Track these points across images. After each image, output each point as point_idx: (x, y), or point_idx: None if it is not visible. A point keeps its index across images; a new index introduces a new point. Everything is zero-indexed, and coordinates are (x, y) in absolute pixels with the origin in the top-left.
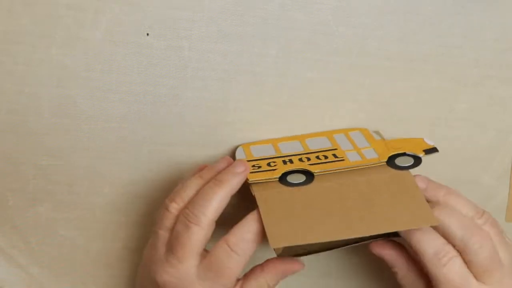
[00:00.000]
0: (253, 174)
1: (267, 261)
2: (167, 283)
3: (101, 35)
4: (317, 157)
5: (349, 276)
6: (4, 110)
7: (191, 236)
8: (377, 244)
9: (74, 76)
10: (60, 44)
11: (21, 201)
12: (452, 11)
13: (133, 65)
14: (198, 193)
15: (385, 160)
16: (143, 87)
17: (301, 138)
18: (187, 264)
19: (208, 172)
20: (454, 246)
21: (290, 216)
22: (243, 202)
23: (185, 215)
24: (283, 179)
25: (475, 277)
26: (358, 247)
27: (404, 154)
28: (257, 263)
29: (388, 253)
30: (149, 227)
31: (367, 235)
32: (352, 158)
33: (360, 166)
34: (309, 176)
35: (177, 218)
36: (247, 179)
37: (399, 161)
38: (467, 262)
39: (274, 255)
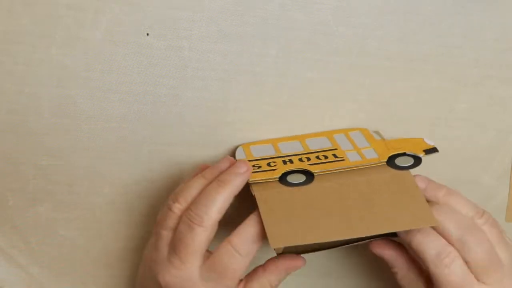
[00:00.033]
0: (253, 174)
1: (269, 261)
2: (169, 284)
3: (101, 35)
4: (317, 157)
5: (349, 276)
6: (4, 110)
7: (195, 237)
8: (377, 244)
9: (74, 76)
10: (60, 44)
11: (21, 201)
12: (452, 11)
13: (133, 65)
14: (201, 193)
15: (385, 160)
16: (143, 87)
17: (301, 138)
18: (190, 265)
19: (211, 172)
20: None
21: (290, 216)
22: (243, 202)
23: (188, 216)
24: (283, 179)
25: (475, 277)
26: (358, 247)
27: (404, 154)
28: (258, 262)
29: (388, 253)
30: (150, 227)
31: (367, 235)
32: (352, 158)
33: (360, 166)
34: (309, 176)
35: (180, 218)
36: None
37: (399, 161)
38: (466, 262)
39: (275, 255)
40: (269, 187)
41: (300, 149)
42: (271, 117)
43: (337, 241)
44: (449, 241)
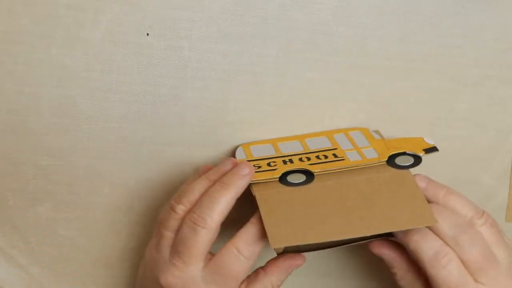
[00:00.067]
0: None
1: (269, 262)
2: (171, 286)
3: (101, 35)
4: (317, 157)
5: (349, 276)
6: (4, 110)
7: (198, 239)
8: (377, 244)
9: (74, 76)
10: (60, 44)
11: (21, 201)
12: (452, 11)
13: (133, 65)
14: (204, 195)
15: (385, 159)
16: (143, 87)
17: (301, 138)
18: (192, 267)
19: (214, 174)
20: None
21: (290, 216)
22: (244, 202)
23: (192, 218)
24: (283, 179)
25: (472, 277)
26: (358, 247)
27: (404, 153)
28: (258, 262)
29: (387, 253)
30: (150, 227)
31: (367, 234)
32: (352, 157)
33: (360, 165)
34: (309, 176)
35: (183, 220)
36: None
37: (399, 161)
38: (461, 262)
39: (275, 254)
40: (269, 187)
41: (300, 149)
42: (271, 117)
43: (337, 241)
44: (445, 242)
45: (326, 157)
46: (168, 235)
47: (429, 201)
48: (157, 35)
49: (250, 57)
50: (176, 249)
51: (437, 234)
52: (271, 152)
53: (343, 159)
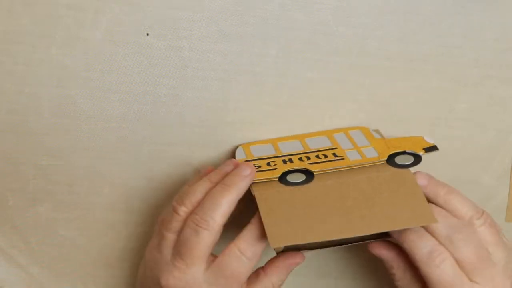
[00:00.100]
0: None
1: (269, 262)
2: (172, 287)
3: (101, 35)
4: (317, 156)
5: (349, 276)
6: (4, 110)
7: (200, 241)
8: (376, 245)
9: (74, 76)
10: (60, 44)
11: (21, 201)
12: (452, 11)
13: (133, 65)
14: (206, 197)
15: (385, 158)
16: (143, 87)
17: (301, 137)
18: (194, 269)
19: (216, 175)
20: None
21: (290, 215)
22: (243, 202)
23: (194, 220)
24: (283, 178)
25: (467, 276)
26: (358, 247)
27: (404, 152)
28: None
29: (385, 253)
30: (150, 227)
31: (367, 234)
32: (352, 157)
33: (360, 165)
34: (309, 175)
35: (185, 221)
36: None
37: (399, 160)
38: (456, 261)
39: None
40: (269, 187)
41: (300, 149)
42: (271, 117)
43: (337, 240)
44: (440, 241)
45: (326, 156)
46: (170, 236)
47: (429, 200)
48: (157, 35)
49: (250, 57)
50: (178, 250)
51: (432, 234)
52: (271, 152)
53: (343, 159)
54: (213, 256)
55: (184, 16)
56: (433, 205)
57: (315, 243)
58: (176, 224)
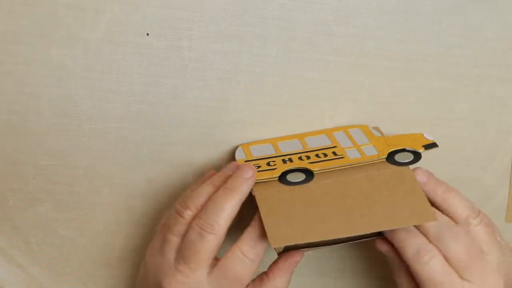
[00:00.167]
0: None
1: (271, 265)
2: None
3: (101, 35)
4: (317, 155)
5: (348, 276)
6: (4, 110)
7: (205, 245)
8: (380, 241)
9: (74, 76)
10: (60, 44)
11: (21, 201)
12: (452, 11)
13: (133, 65)
14: (209, 201)
15: (385, 156)
16: (143, 87)
17: (300, 136)
18: (198, 273)
19: (218, 178)
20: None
21: (290, 215)
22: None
23: (199, 224)
24: (283, 178)
25: (458, 275)
26: (358, 247)
27: (403, 150)
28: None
29: (385, 249)
30: (150, 227)
31: (367, 232)
32: (352, 155)
33: (360, 163)
34: (309, 174)
35: (189, 225)
36: None
37: (398, 157)
38: (447, 260)
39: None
40: (269, 187)
41: (299, 148)
42: (271, 117)
43: (337, 239)
44: (430, 240)
45: (325, 155)
46: (174, 239)
47: (427, 197)
48: (157, 35)
49: (250, 57)
50: (182, 254)
51: (422, 232)
52: (271, 152)
53: (343, 157)
54: (216, 259)
55: (184, 16)
56: None
57: (315, 242)
58: (180, 227)
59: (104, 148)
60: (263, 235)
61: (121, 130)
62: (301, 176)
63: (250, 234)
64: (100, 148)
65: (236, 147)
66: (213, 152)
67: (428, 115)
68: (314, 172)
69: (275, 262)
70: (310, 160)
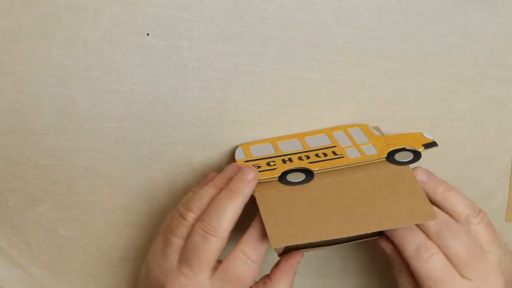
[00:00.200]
0: None
1: (273, 268)
2: None
3: (101, 35)
4: (317, 155)
5: (349, 276)
6: (4, 110)
7: (209, 247)
8: (382, 239)
9: (74, 76)
10: (60, 44)
11: (21, 201)
12: (452, 11)
13: (133, 65)
14: (212, 203)
15: (385, 156)
16: (143, 87)
17: (300, 136)
18: (201, 276)
19: (220, 180)
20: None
21: (291, 215)
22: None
23: (202, 226)
24: (283, 178)
25: (458, 272)
26: (358, 246)
27: (403, 149)
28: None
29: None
30: (150, 227)
31: (367, 232)
32: (352, 154)
33: (360, 162)
34: (309, 174)
35: (192, 227)
36: None
37: (398, 157)
38: (447, 258)
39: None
40: (269, 187)
41: (299, 148)
42: (271, 117)
43: (338, 239)
44: (430, 237)
45: (325, 155)
46: (177, 241)
47: (427, 196)
48: (157, 35)
49: (250, 57)
50: (185, 256)
51: (422, 230)
52: (271, 152)
53: (343, 157)
54: (218, 261)
55: (184, 16)
56: None
57: (316, 242)
58: (183, 230)
59: (104, 148)
60: (264, 235)
61: (121, 130)
62: (301, 176)
63: (251, 235)
64: (100, 148)
65: (236, 147)
66: (213, 152)
67: (428, 115)
68: (314, 172)
69: (276, 265)
70: (310, 160)
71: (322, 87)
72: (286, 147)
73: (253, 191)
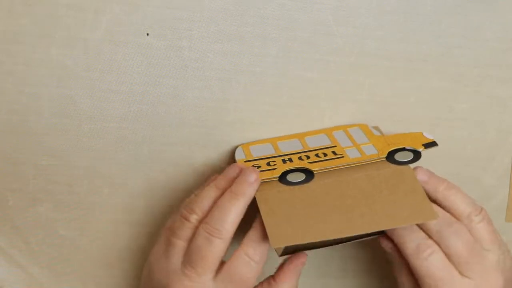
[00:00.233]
0: None
1: (277, 270)
2: None
3: (101, 35)
4: (317, 155)
5: (348, 276)
6: (4, 110)
7: (213, 249)
8: (383, 238)
9: (74, 76)
10: (60, 44)
11: (21, 201)
12: (452, 11)
13: (133, 65)
14: (215, 205)
15: (385, 155)
16: (143, 87)
17: (300, 136)
18: (205, 277)
19: (222, 181)
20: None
21: (291, 215)
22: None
23: (205, 228)
24: (283, 178)
25: (458, 271)
26: (358, 246)
27: (403, 149)
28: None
29: (384, 245)
30: (150, 227)
31: (367, 232)
32: (352, 154)
33: (360, 162)
34: (309, 174)
35: (195, 229)
36: None
37: (398, 156)
38: (447, 256)
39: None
40: (269, 187)
41: (299, 147)
42: (271, 117)
43: (338, 239)
44: (430, 236)
45: (325, 155)
46: (180, 243)
47: (428, 195)
48: (157, 35)
49: (250, 57)
50: (189, 258)
51: (422, 228)
52: (271, 152)
53: (343, 157)
54: (221, 263)
55: (184, 16)
56: None
57: (316, 242)
58: (186, 232)
59: (104, 148)
60: (265, 236)
61: (121, 130)
62: (301, 176)
63: (253, 236)
64: (100, 148)
65: (236, 147)
66: (213, 152)
67: (428, 115)
68: (314, 172)
69: (281, 266)
70: (310, 160)
71: (322, 87)
72: (286, 147)
73: None
